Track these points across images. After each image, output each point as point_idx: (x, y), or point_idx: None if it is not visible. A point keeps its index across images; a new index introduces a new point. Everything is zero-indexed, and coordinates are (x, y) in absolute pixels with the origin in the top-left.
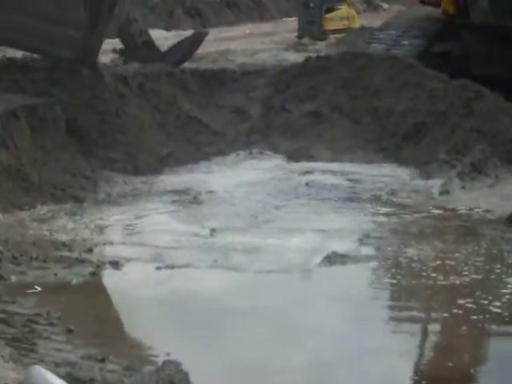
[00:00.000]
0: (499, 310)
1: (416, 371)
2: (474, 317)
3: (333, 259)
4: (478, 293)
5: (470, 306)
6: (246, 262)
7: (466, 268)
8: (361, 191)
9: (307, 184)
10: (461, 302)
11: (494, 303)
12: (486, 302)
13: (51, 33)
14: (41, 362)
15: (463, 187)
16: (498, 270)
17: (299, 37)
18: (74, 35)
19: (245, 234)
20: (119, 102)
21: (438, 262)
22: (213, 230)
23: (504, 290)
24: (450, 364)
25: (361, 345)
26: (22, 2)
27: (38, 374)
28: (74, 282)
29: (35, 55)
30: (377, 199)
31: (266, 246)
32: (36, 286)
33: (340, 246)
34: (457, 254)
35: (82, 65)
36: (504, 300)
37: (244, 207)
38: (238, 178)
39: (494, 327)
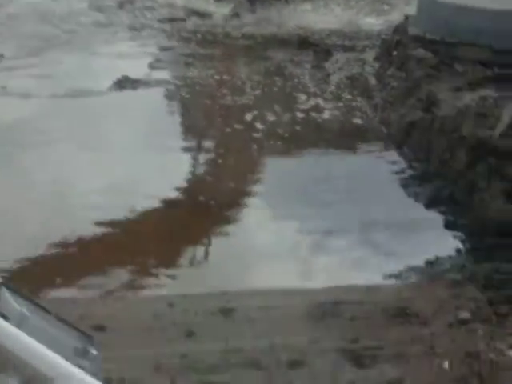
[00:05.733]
0: (279, 129)
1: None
2: (256, 134)
3: (124, 84)
4: (260, 110)
5: (252, 122)
6: (37, 87)
7: (249, 86)
8: (146, 19)
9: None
10: (243, 118)
11: (273, 119)
12: (267, 118)
13: None
14: None
15: (253, 11)
16: (279, 88)
17: None
18: None
19: (34, 59)
20: None
21: (225, 82)
22: (1, 56)
23: (287, 107)
24: (232, 185)
25: (150, 164)
26: None
27: None
28: None
29: None
30: (166, 24)
31: (56, 71)
32: None
33: (131, 71)
34: (243, 75)
35: None
36: (285, 117)
37: (34, 30)
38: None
39: (272, 143)
